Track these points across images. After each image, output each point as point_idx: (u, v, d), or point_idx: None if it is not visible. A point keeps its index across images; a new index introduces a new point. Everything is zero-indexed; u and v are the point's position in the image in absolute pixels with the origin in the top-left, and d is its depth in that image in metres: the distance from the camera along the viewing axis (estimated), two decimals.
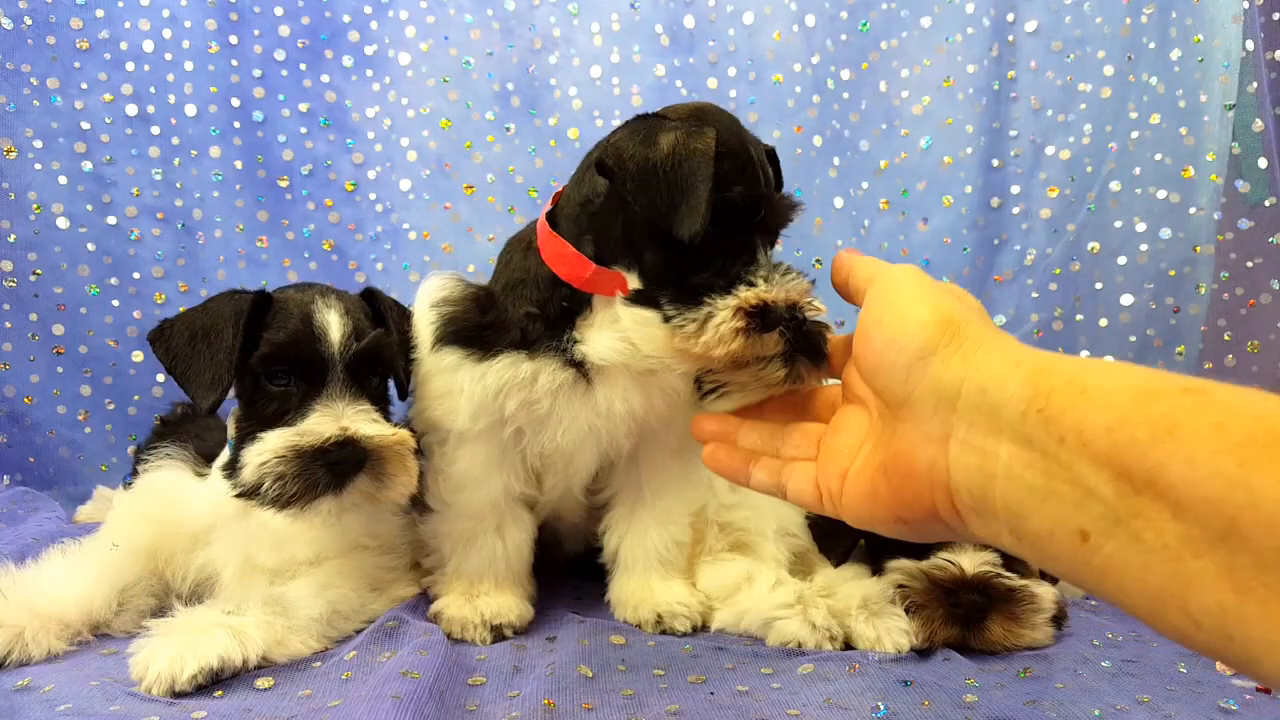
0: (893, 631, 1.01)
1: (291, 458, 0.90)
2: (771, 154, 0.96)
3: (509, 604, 1.08)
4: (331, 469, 0.91)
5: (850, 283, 0.69)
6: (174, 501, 1.09)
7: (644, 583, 1.13)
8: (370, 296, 1.09)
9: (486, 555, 1.08)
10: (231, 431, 1.03)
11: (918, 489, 0.54)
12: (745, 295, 0.82)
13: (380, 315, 1.07)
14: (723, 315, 0.81)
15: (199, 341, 0.96)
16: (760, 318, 0.80)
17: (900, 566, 1.06)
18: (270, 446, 0.91)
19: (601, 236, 0.92)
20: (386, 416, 1.03)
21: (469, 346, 1.00)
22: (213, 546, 1.06)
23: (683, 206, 0.82)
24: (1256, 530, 0.36)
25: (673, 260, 0.85)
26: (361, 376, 0.99)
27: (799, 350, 0.79)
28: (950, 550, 1.06)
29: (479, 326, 1.00)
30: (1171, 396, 0.41)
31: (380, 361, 1.01)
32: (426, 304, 1.05)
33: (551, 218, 0.98)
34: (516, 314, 0.98)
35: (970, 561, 1.03)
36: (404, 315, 1.10)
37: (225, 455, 1.06)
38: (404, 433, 0.97)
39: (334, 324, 0.98)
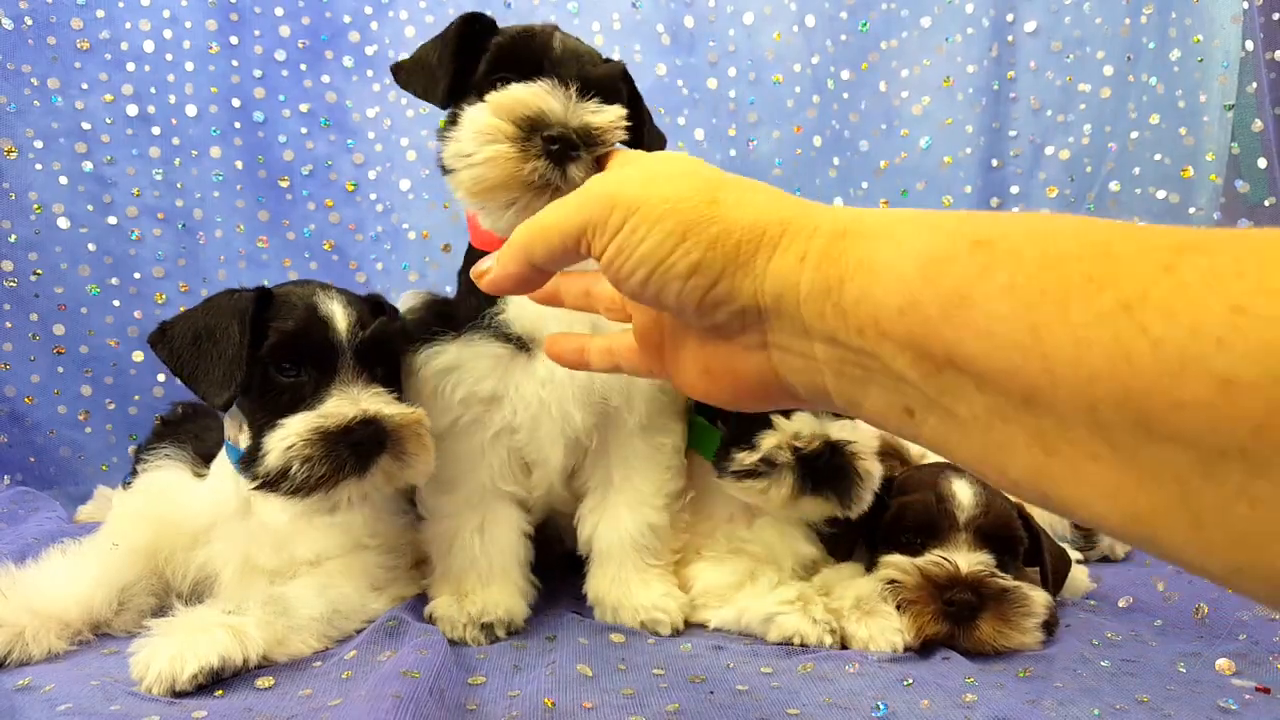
0: (886, 631, 1.01)
1: (317, 440, 0.90)
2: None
3: (495, 599, 1.06)
4: (355, 450, 0.91)
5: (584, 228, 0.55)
6: (173, 501, 1.09)
7: (620, 577, 1.12)
8: (370, 299, 1.10)
9: (467, 554, 1.08)
10: (230, 433, 1.03)
11: (751, 387, 0.53)
12: (498, 97, 0.87)
13: (381, 309, 1.08)
14: (479, 124, 0.87)
15: (204, 341, 0.95)
16: (535, 132, 0.84)
17: (894, 562, 1.07)
18: (294, 430, 0.90)
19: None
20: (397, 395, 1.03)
21: (418, 347, 1.05)
22: (212, 545, 1.06)
23: (436, 78, 0.99)
24: (1056, 393, 0.35)
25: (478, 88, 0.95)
26: (370, 364, 0.98)
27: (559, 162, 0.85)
28: (945, 548, 1.06)
29: (428, 327, 1.04)
30: (960, 260, 0.39)
31: (387, 349, 1.01)
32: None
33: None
34: (459, 307, 1.02)
35: (965, 561, 1.04)
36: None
37: (223, 455, 1.06)
38: (420, 412, 0.97)
39: (339, 313, 0.98)
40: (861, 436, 1.06)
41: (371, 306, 1.07)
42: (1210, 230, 0.34)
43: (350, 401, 0.93)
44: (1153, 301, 0.32)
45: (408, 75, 1.02)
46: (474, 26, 0.98)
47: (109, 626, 1.00)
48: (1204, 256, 0.32)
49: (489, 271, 0.60)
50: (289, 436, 0.90)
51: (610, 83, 0.95)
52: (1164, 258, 0.33)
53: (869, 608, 1.04)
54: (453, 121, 0.93)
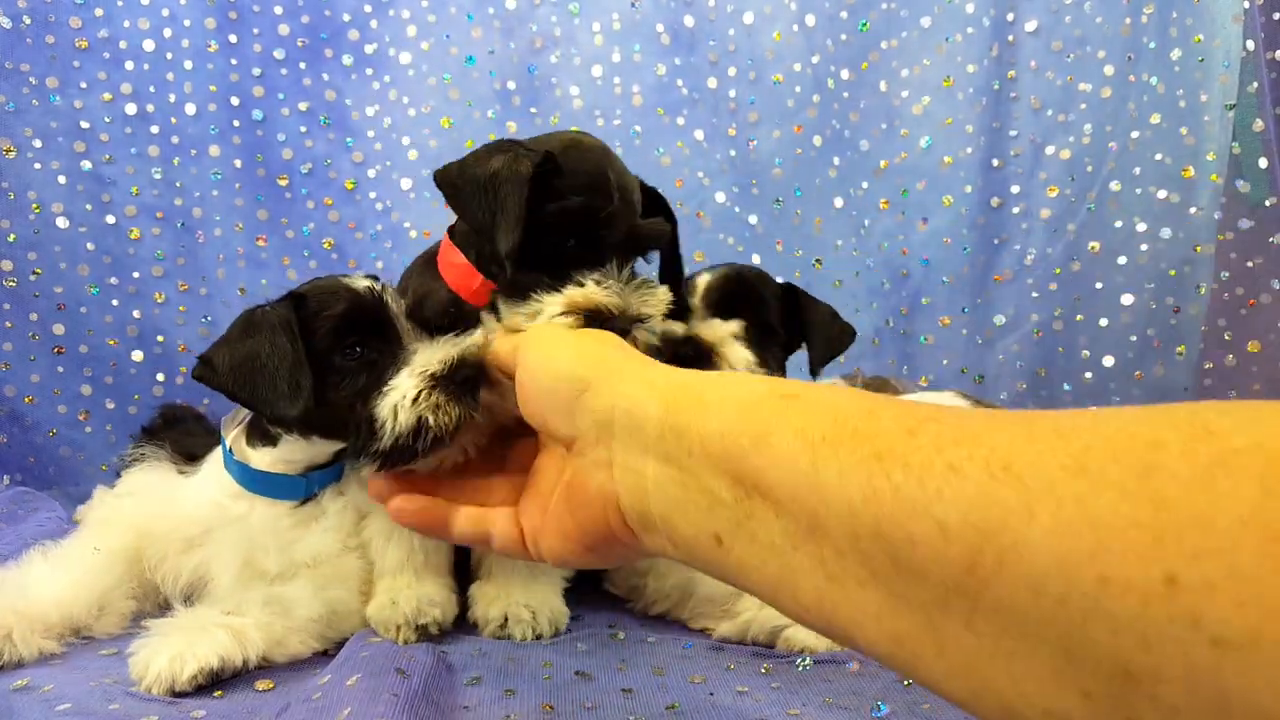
0: None
1: (435, 386, 0.86)
2: (652, 193, 1.04)
3: (430, 593, 1.05)
4: (465, 386, 0.87)
5: (503, 364, 0.73)
6: (161, 504, 1.08)
7: (507, 582, 1.11)
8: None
9: (404, 548, 1.08)
10: (229, 435, 1.03)
11: (593, 514, 0.58)
12: (571, 293, 0.87)
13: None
14: (550, 310, 0.87)
15: (254, 359, 0.92)
16: (595, 320, 0.86)
17: None
18: (411, 385, 0.87)
19: (480, 249, 0.96)
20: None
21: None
22: (208, 549, 1.05)
23: (500, 223, 0.87)
24: (830, 523, 0.41)
25: (526, 268, 0.91)
26: (422, 323, 0.97)
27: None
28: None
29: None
30: (768, 403, 0.48)
31: (430, 309, 0.99)
32: None
33: (453, 231, 1.02)
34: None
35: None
36: None
37: (216, 459, 1.06)
38: (484, 338, 0.93)
39: (376, 286, 0.97)
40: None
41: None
42: (950, 409, 0.43)
43: (430, 353, 0.89)
44: (896, 454, 0.40)
45: (463, 199, 0.93)
46: (541, 171, 0.91)
47: (89, 630, 1.00)
48: (937, 425, 0.40)
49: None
50: (409, 391, 0.86)
51: (659, 234, 0.98)
52: (910, 424, 0.41)
53: None
54: (522, 295, 0.91)
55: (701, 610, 1.11)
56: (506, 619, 1.07)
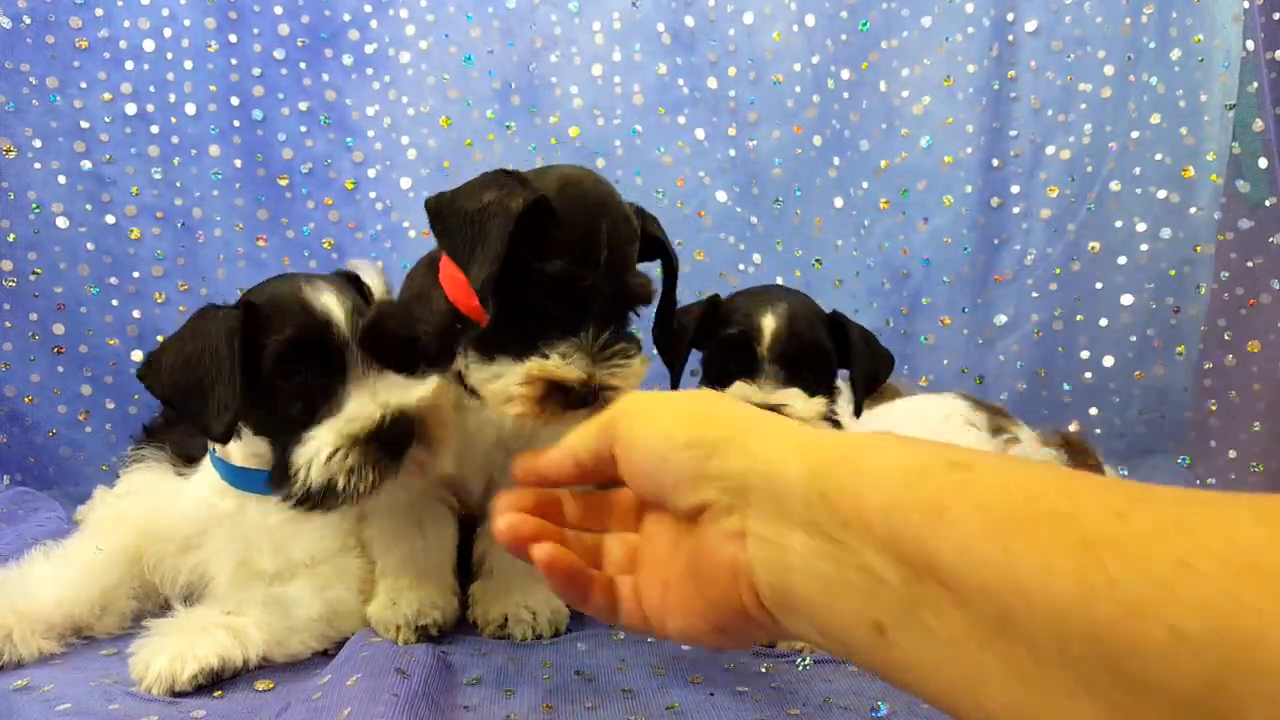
0: None
1: (353, 446, 0.87)
2: (650, 238, 1.01)
3: (430, 596, 1.05)
4: (389, 449, 0.88)
5: (590, 449, 0.60)
6: (158, 504, 1.07)
7: (505, 582, 1.11)
8: (349, 277, 1.07)
9: (406, 549, 1.07)
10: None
11: (724, 590, 0.51)
12: (530, 366, 0.88)
13: (357, 283, 1.05)
14: (509, 379, 0.88)
15: (195, 367, 0.90)
16: (556, 391, 0.87)
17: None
18: (328, 441, 0.87)
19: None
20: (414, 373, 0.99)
21: None
22: (205, 550, 1.04)
23: (478, 258, 0.86)
24: (1029, 620, 0.35)
25: (505, 317, 0.91)
26: (377, 349, 0.94)
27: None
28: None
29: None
30: (939, 475, 0.41)
31: (391, 328, 0.97)
32: None
33: None
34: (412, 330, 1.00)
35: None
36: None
37: (207, 461, 1.06)
38: (439, 386, 0.94)
39: (334, 305, 0.94)
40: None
41: (351, 282, 1.05)
42: (1155, 487, 0.36)
43: (370, 397, 0.89)
44: (1109, 542, 0.34)
45: (447, 229, 0.92)
46: (533, 213, 0.90)
47: (91, 630, 1.00)
48: (1151, 507, 0.34)
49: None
50: (323, 449, 0.86)
51: (645, 295, 0.97)
52: (1118, 505, 0.35)
53: None
54: (488, 354, 0.91)
55: None
56: (507, 619, 1.07)
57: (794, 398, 1.08)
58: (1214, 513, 0.34)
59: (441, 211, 0.91)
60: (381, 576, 1.08)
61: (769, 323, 1.12)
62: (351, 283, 1.06)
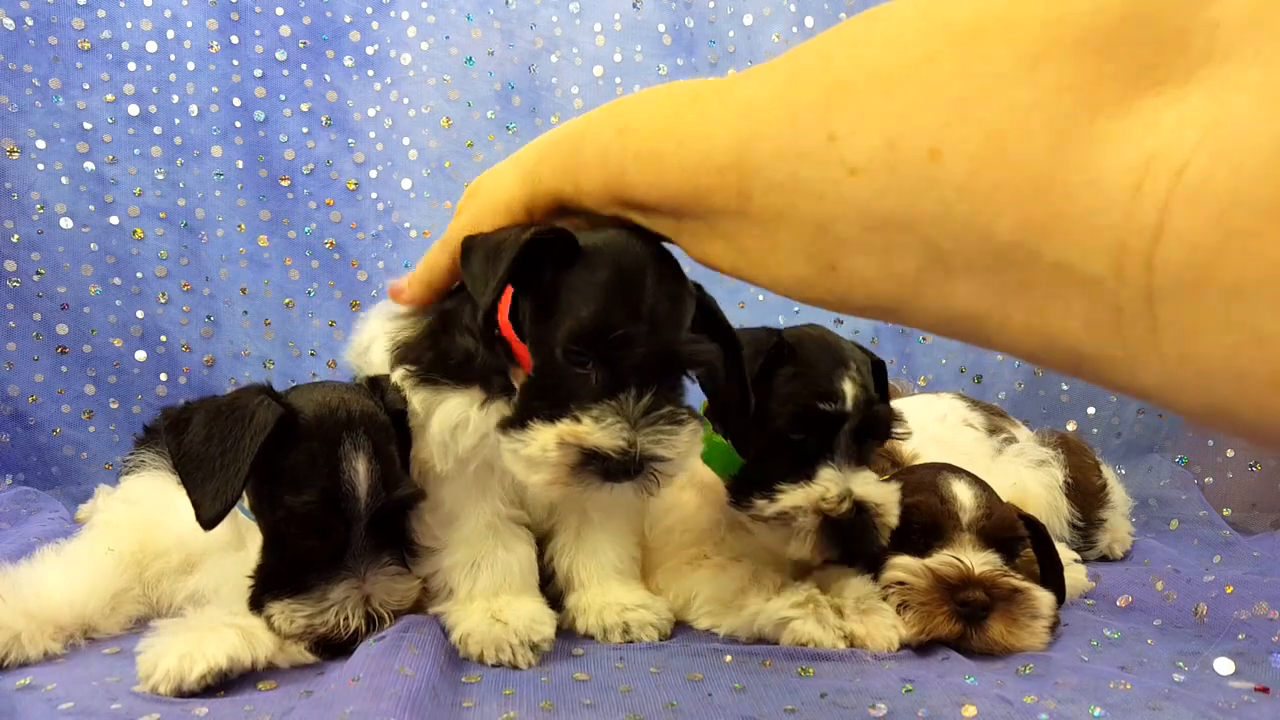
0: (881, 628, 1.01)
1: (314, 638, 0.91)
2: (710, 311, 0.91)
3: (534, 610, 1.01)
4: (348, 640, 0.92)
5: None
6: (160, 521, 1.06)
7: (604, 588, 1.09)
8: (376, 387, 1.00)
9: (500, 570, 1.03)
10: None
11: None
12: (562, 428, 0.80)
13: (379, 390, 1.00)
14: (541, 442, 0.81)
15: (212, 444, 0.88)
16: (594, 460, 0.80)
17: (902, 564, 1.06)
18: (299, 623, 0.91)
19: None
20: (403, 536, 1.01)
21: (425, 385, 0.97)
22: (204, 573, 1.03)
23: (488, 282, 0.79)
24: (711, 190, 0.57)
25: (543, 377, 0.84)
26: (383, 528, 0.95)
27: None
28: (950, 549, 1.06)
29: (423, 363, 0.96)
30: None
31: (403, 512, 0.98)
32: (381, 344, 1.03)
33: None
34: (461, 345, 0.93)
35: (975, 560, 1.04)
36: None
37: None
38: (417, 583, 0.99)
39: (362, 475, 0.91)
40: (887, 491, 1.04)
41: (386, 419, 0.97)
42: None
43: (357, 591, 0.92)
44: (693, 133, 0.58)
45: (470, 262, 0.83)
46: (558, 251, 0.82)
47: (96, 630, 1.00)
48: (714, 95, 0.57)
49: (400, 295, 0.94)
50: (294, 624, 0.91)
51: (702, 357, 0.87)
52: (701, 102, 0.58)
53: (866, 606, 1.04)
54: (520, 424, 0.84)
55: (707, 609, 1.11)
56: (629, 626, 1.05)
57: (871, 483, 1.03)
58: (737, 77, 0.56)
59: (469, 246, 0.84)
60: (470, 599, 1.02)
61: (851, 392, 1.03)
62: (375, 386, 1.00)
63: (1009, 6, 0.40)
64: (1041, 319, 0.40)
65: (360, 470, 0.90)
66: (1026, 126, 0.38)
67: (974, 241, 0.41)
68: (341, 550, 0.92)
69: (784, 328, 1.10)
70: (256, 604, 0.92)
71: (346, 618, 0.90)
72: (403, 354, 0.98)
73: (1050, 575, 1.14)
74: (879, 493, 1.02)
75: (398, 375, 0.99)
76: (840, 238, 0.47)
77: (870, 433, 1.06)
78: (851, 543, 1.02)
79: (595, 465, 0.81)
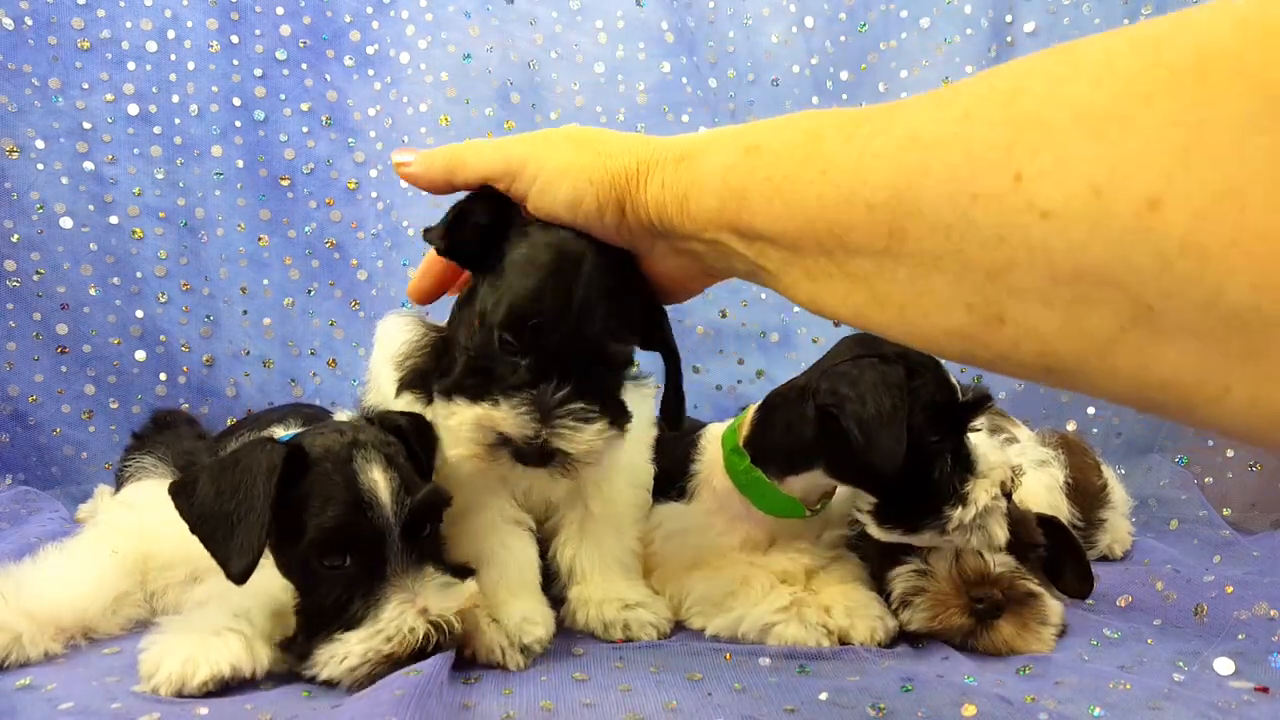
0: (866, 619, 1.02)
1: (383, 663, 0.84)
2: (655, 323, 0.93)
3: (528, 609, 1.01)
4: (420, 657, 0.84)
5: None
6: (164, 533, 1.04)
7: (605, 581, 1.10)
8: (386, 421, 0.98)
9: (498, 568, 1.04)
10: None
11: (691, 276, 0.82)
12: (479, 411, 0.86)
13: (407, 442, 0.97)
14: (460, 418, 0.87)
15: (226, 499, 0.86)
16: (507, 444, 0.86)
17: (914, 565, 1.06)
18: (357, 654, 0.83)
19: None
20: (442, 549, 0.96)
21: (419, 391, 1.03)
22: (212, 585, 1.01)
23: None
24: (800, 239, 0.56)
25: (480, 348, 0.88)
26: (418, 532, 0.90)
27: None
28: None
29: (432, 371, 1.00)
30: (740, 165, 0.61)
31: (435, 512, 0.93)
32: (387, 353, 1.07)
33: None
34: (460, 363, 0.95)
35: (994, 560, 1.04)
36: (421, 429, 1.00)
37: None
38: (471, 586, 0.91)
39: (381, 483, 0.88)
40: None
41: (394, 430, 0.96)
42: (879, 107, 0.54)
43: (410, 604, 0.85)
44: (831, 158, 0.53)
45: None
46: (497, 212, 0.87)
47: (97, 631, 1.00)
48: (869, 124, 0.52)
49: (408, 165, 0.89)
50: (350, 659, 0.83)
51: (619, 358, 0.91)
52: (847, 131, 0.53)
53: (854, 603, 1.05)
54: (448, 394, 0.90)
55: (698, 609, 1.12)
56: (628, 624, 1.05)
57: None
58: (894, 108, 0.52)
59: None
60: None
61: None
62: (394, 430, 0.98)
63: (1239, 43, 0.35)
64: (1273, 392, 0.36)
65: (378, 479, 0.88)
66: (1268, 178, 0.34)
67: (1195, 302, 0.36)
68: (381, 567, 0.87)
69: (879, 350, 1.03)
70: (303, 657, 0.87)
71: (408, 633, 0.83)
72: (409, 380, 1.04)
73: (1075, 567, 1.14)
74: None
75: (404, 401, 1.03)
76: (1017, 287, 0.42)
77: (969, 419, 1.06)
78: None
79: (509, 448, 0.86)
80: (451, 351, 0.96)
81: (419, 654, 0.84)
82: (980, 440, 1.04)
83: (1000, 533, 1.00)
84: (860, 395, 0.97)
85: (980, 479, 1.01)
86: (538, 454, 0.85)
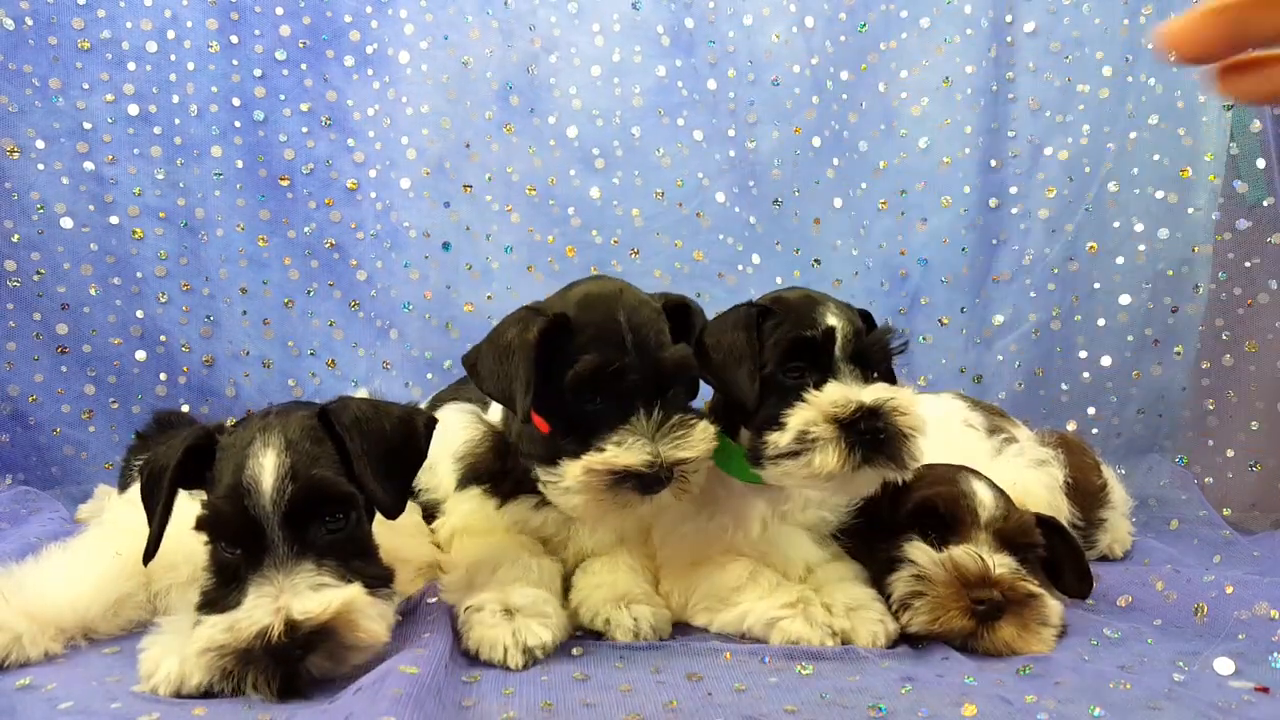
0: (868, 622, 1.02)
1: (228, 654, 0.81)
2: (676, 307, 1.08)
3: (541, 599, 1.01)
4: (275, 658, 0.81)
5: None
6: (169, 534, 1.00)
7: (613, 569, 1.12)
8: (326, 415, 0.95)
9: (520, 568, 1.06)
10: None
11: None
12: (589, 459, 0.94)
13: (339, 439, 0.93)
14: (571, 474, 0.95)
15: (145, 498, 0.92)
16: (628, 479, 0.93)
17: (921, 550, 1.05)
18: (203, 637, 0.82)
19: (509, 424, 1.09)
20: (359, 554, 0.90)
21: (488, 487, 1.14)
22: None
23: (515, 390, 0.95)
24: None
25: (562, 427, 0.98)
26: (302, 525, 0.86)
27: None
28: (970, 546, 1.05)
29: (498, 472, 1.13)
30: None
31: (321, 504, 0.88)
32: (448, 449, 1.18)
33: None
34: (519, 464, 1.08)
35: (994, 562, 1.04)
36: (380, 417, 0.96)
37: None
38: (348, 592, 0.85)
39: (266, 470, 0.85)
40: (901, 394, 1.02)
41: (322, 420, 0.93)
42: None
43: (271, 598, 0.81)
44: None
45: (482, 376, 1.01)
46: (554, 332, 0.98)
47: (97, 632, 1.00)
48: None
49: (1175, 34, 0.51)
50: (198, 642, 0.82)
51: (683, 363, 1.01)
52: None
53: (855, 604, 1.05)
54: (551, 461, 0.98)
55: (704, 605, 1.12)
56: (610, 622, 1.05)
57: (881, 390, 1.02)
58: None
59: (474, 362, 1.01)
60: (482, 588, 1.03)
61: (835, 322, 1.05)
62: (330, 424, 0.93)
63: None
64: None
65: (266, 464, 0.85)
66: None
67: None
68: (260, 556, 0.84)
69: (759, 297, 1.14)
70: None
71: (260, 631, 0.80)
72: (469, 476, 1.16)
73: (1074, 567, 1.14)
74: (892, 395, 1.00)
75: (469, 495, 1.16)
76: None
77: (869, 357, 1.06)
78: (877, 446, 0.99)
79: (631, 483, 0.93)
80: (514, 452, 1.09)
81: (271, 650, 0.80)
82: (848, 373, 1.03)
83: (825, 462, 0.97)
84: (716, 341, 1.06)
85: (802, 408, 1.00)
86: (661, 474, 0.93)
